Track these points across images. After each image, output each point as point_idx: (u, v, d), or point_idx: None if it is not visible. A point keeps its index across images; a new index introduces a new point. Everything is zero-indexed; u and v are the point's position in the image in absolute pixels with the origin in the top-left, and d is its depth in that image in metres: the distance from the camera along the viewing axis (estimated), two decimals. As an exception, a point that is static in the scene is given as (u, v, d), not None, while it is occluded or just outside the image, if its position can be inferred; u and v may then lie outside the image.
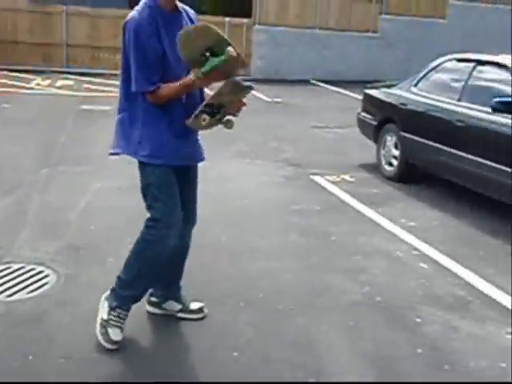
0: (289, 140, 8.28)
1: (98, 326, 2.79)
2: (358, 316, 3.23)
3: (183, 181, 2.80)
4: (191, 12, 2.85)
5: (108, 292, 2.86)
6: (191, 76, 2.50)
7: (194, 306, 3.09)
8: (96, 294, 3.28)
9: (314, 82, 16.51)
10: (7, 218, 4.47)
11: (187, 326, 3.04)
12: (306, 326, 3.09)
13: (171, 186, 2.71)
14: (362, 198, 5.50)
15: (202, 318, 3.06)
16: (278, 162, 6.90)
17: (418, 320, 3.21)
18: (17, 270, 3.59)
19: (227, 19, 16.31)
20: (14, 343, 2.78)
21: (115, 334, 2.75)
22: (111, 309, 2.79)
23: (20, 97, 11.02)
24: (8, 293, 3.30)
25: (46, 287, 3.39)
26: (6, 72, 14.13)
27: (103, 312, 2.81)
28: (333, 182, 6.10)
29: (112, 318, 2.77)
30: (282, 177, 6.28)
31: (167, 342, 2.91)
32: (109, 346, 2.74)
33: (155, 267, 2.77)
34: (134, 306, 2.86)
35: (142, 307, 3.07)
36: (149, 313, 3.09)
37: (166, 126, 2.66)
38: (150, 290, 3.02)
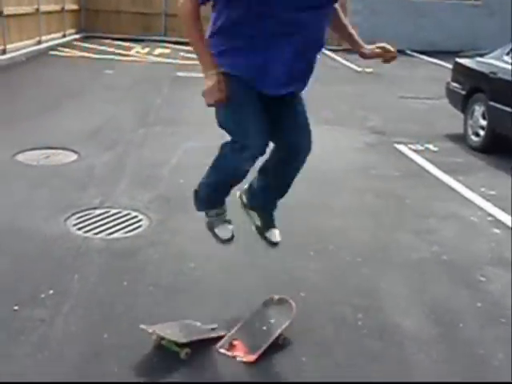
0: (376, 109, 8.31)
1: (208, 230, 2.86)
2: (422, 271, 3.39)
3: (278, 106, 2.57)
4: None
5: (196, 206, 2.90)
6: (209, 73, 2.38)
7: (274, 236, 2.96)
8: (182, 237, 3.69)
9: (409, 52, 16.12)
10: (108, 170, 4.97)
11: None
12: (371, 276, 3.30)
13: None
14: (443, 167, 5.52)
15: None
16: (363, 130, 7.00)
17: (482, 279, 3.32)
18: (115, 214, 4.05)
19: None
20: (111, 272, 3.21)
21: (223, 231, 2.82)
22: (205, 213, 2.85)
23: (121, 63, 11.73)
24: (107, 232, 3.75)
25: (139, 229, 3.82)
26: (108, 40, 15.01)
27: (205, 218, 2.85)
28: (415, 151, 6.14)
29: (211, 219, 2.83)
30: (365, 144, 6.39)
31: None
32: (225, 244, 2.84)
33: (229, 181, 2.71)
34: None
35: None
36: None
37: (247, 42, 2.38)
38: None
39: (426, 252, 3.65)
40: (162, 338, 2.51)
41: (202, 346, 2.54)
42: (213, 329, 2.65)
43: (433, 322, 2.87)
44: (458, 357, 2.60)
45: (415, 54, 15.72)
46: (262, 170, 2.83)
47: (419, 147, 6.30)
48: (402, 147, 6.27)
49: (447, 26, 16.50)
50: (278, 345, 2.58)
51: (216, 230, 2.86)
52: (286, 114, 2.63)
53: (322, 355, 2.57)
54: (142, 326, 2.54)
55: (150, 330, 2.52)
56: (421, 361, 2.56)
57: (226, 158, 2.63)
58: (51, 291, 2.94)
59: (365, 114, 7.92)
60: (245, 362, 2.47)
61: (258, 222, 2.96)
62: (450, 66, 7.58)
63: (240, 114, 2.49)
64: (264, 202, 2.92)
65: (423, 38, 16.44)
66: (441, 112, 7.99)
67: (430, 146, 6.35)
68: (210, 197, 2.84)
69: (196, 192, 2.88)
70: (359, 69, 12.50)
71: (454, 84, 6.94)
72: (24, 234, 3.62)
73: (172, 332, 2.53)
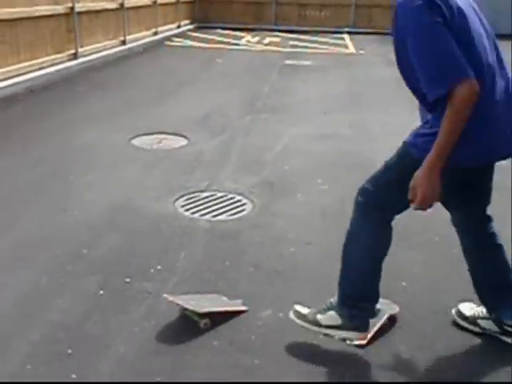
0: None
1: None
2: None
3: None
4: None
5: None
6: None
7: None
8: (284, 221, 3.75)
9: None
10: (215, 155, 5.14)
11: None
12: (478, 270, 3.14)
13: None
14: None
15: None
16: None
17: None
18: (220, 197, 4.19)
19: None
20: (215, 252, 3.34)
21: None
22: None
23: (231, 52, 12.01)
24: (213, 214, 3.90)
25: (243, 213, 3.92)
26: (220, 30, 15.40)
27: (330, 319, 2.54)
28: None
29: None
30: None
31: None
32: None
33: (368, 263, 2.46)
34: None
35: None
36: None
37: None
38: None
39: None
40: (186, 309, 2.64)
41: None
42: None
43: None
44: None
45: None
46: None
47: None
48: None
49: None
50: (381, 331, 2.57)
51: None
52: None
53: (422, 347, 2.51)
54: (165, 295, 2.72)
55: (170, 299, 2.68)
56: (528, 360, 2.43)
57: None
58: (159, 266, 3.12)
59: None
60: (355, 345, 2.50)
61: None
62: None
63: None
64: None
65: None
66: None
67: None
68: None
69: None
70: None
71: None
72: (136, 213, 3.85)
73: (195, 303, 2.66)
